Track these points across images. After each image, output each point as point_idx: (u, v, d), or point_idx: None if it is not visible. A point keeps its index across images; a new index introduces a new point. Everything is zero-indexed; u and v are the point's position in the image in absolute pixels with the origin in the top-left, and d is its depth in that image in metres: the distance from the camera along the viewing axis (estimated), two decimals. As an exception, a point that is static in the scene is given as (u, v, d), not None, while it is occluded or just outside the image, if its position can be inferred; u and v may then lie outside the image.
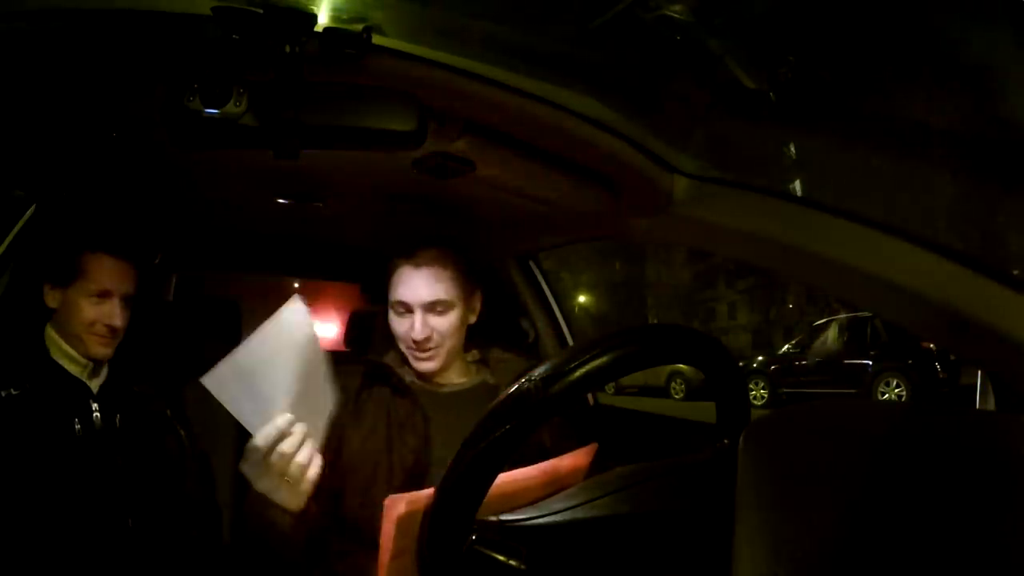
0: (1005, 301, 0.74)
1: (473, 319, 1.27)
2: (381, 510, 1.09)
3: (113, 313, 1.24)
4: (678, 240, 1.23)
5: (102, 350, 1.25)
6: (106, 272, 1.24)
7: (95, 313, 1.23)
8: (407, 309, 1.19)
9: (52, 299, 1.25)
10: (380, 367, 1.24)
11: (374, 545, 1.09)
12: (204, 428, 1.52)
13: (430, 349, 1.19)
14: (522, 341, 1.97)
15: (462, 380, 1.27)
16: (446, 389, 1.25)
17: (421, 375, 1.24)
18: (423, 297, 1.17)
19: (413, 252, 1.20)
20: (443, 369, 1.23)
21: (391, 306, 1.21)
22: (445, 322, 1.19)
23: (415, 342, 1.18)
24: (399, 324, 1.20)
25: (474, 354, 1.35)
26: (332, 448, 1.14)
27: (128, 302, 1.28)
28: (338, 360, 1.25)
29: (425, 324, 1.17)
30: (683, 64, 1.09)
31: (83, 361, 1.24)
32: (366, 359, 1.26)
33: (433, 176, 1.20)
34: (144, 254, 1.36)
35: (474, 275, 1.26)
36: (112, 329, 1.24)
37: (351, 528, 1.12)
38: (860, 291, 0.90)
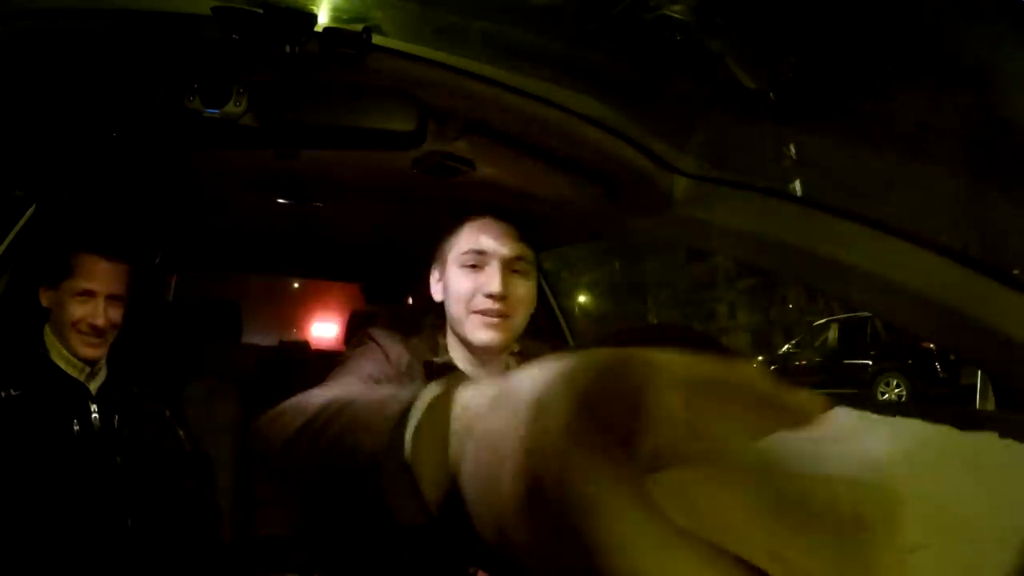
0: (1005, 301, 0.74)
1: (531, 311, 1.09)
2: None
3: (96, 312, 1.23)
4: (678, 240, 1.23)
5: (88, 350, 1.24)
6: (90, 271, 1.24)
7: (80, 312, 1.22)
8: (482, 261, 1.00)
9: (46, 299, 1.25)
10: (446, 370, 1.02)
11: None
12: (204, 428, 1.52)
13: (503, 314, 0.99)
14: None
15: None
16: None
17: (477, 349, 1.03)
18: (506, 249, 1.00)
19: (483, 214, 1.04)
20: (502, 346, 1.02)
21: (455, 260, 1.02)
22: (523, 288, 1.01)
23: (490, 296, 0.98)
24: (466, 279, 1.00)
25: (513, 344, 1.14)
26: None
27: (116, 302, 1.26)
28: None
29: (505, 279, 0.98)
30: (683, 64, 1.09)
31: (76, 362, 1.24)
32: (431, 363, 1.03)
33: (433, 176, 1.20)
34: (138, 253, 1.34)
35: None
36: (95, 328, 1.23)
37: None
38: (860, 291, 0.90)
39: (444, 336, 1.08)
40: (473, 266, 1.01)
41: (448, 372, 1.00)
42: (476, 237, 1.01)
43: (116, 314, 1.26)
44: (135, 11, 0.81)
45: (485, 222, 1.03)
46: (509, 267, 1.00)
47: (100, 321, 1.23)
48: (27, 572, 1.10)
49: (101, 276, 1.24)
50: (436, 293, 1.09)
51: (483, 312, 0.99)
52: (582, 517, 0.27)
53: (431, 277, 1.12)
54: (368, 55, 0.83)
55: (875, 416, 0.45)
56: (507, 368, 1.09)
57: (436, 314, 1.12)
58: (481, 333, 1.00)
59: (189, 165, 1.29)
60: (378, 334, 1.04)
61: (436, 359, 1.03)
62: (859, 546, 0.31)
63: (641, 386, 0.30)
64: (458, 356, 1.06)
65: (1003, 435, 0.38)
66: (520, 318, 1.02)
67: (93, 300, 1.23)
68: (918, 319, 0.84)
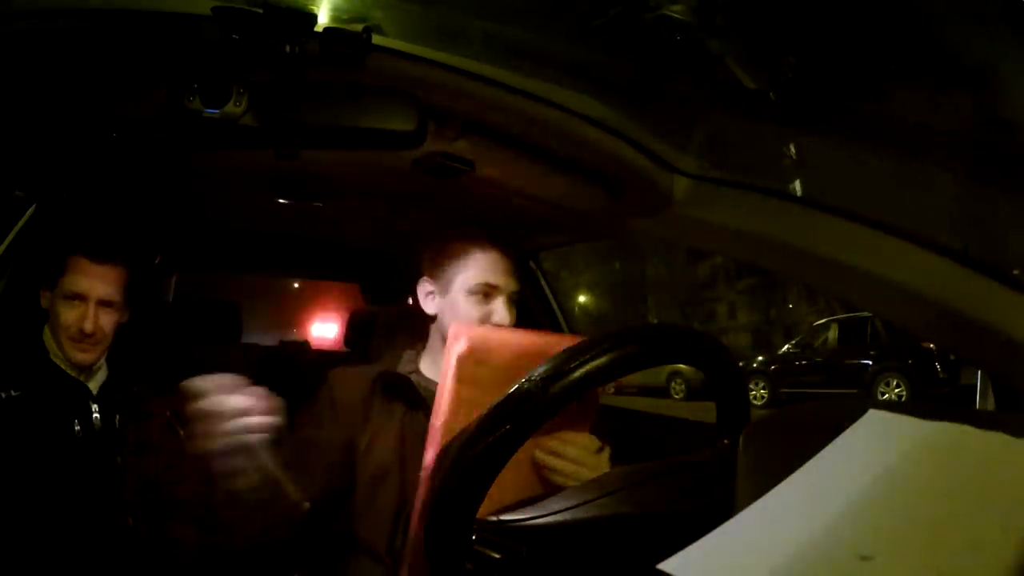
0: (1005, 301, 0.74)
1: None
2: (388, 521, 1.05)
3: (85, 317, 1.20)
4: (678, 240, 1.23)
5: (80, 356, 1.22)
6: (81, 276, 1.22)
7: (70, 317, 1.21)
8: (490, 293, 1.09)
9: (45, 300, 1.24)
10: (396, 378, 1.12)
11: (377, 555, 1.07)
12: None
13: None
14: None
15: None
16: None
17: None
18: (512, 285, 1.10)
19: (472, 230, 1.13)
20: None
21: (464, 287, 1.10)
22: (513, 313, 1.11)
23: (499, 325, 1.08)
24: (475, 308, 1.09)
25: None
26: (341, 456, 1.09)
27: (108, 308, 1.24)
28: (345, 365, 1.24)
29: (511, 311, 1.09)
30: (683, 64, 1.09)
31: (71, 365, 1.24)
32: (384, 372, 1.14)
33: (433, 176, 1.20)
34: (133, 257, 1.32)
35: None
36: (84, 334, 1.21)
37: (353, 536, 1.08)
38: (860, 291, 0.90)
39: (417, 349, 1.19)
40: (485, 295, 1.09)
41: (401, 382, 1.11)
42: (487, 272, 1.09)
43: (108, 320, 1.24)
44: (135, 11, 0.81)
45: (486, 252, 1.10)
46: (512, 299, 1.11)
47: (89, 326, 1.20)
48: (28, 572, 1.10)
49: (92, 280, 1.22)
50: (428, 307, 1.15)
51: None
52: None
53: (419, 288, 1.16)
54: (368, 55, 0.83)
55: (904, 418, 0.46)
56: None
57: (409, 326, 1.23)
58: None
59: (189, 165, 1.29)
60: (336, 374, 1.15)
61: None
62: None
63: None
64: (427, 365, 1.16)
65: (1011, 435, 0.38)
66: None
67: (84, 305, 1.21)
68: (918, 319, 0.84)
